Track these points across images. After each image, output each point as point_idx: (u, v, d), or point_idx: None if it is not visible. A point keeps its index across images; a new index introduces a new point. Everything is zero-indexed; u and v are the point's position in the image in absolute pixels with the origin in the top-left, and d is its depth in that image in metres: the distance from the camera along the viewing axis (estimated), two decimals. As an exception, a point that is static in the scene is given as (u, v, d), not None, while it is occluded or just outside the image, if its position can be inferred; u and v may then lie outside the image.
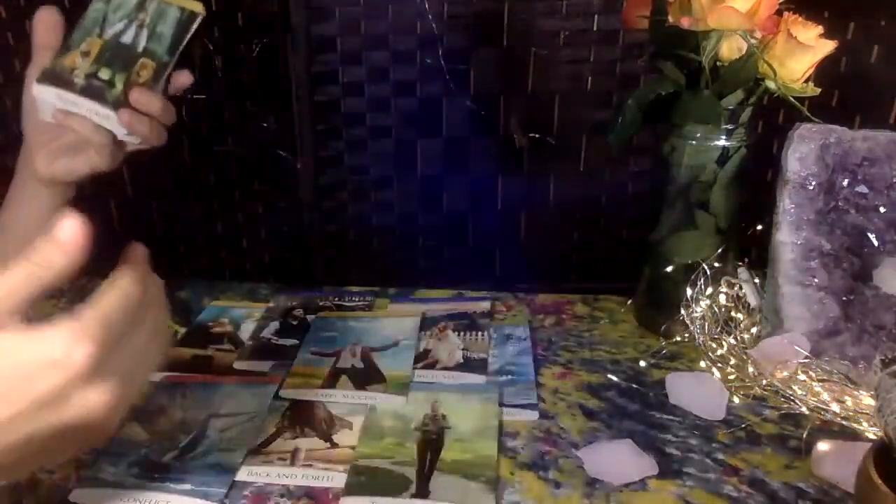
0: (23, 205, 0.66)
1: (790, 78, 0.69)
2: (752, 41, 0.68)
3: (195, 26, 0.65)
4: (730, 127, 0.72)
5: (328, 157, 1.09)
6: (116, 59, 0.63)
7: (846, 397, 0.66)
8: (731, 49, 0.69)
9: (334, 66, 1.04)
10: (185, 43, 0.65)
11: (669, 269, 0.78)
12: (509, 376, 0.74)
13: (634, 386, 0.72)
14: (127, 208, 1.13)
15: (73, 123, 0.62)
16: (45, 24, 0.63)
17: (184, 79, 0.66)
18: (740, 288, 0.77)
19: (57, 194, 0.66)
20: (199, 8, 0.65)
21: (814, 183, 0.70)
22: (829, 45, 0.68)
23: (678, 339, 0.76)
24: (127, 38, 0.63)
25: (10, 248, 0.66)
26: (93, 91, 0.62)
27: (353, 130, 1.08)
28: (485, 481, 0.58)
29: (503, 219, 1.13)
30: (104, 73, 0.62)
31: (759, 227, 0.77)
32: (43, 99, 0.62)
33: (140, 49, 0.63)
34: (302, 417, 0.68)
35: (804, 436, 0.63)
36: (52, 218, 0.45)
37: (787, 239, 0.71)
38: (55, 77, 0.61)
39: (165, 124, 0.64)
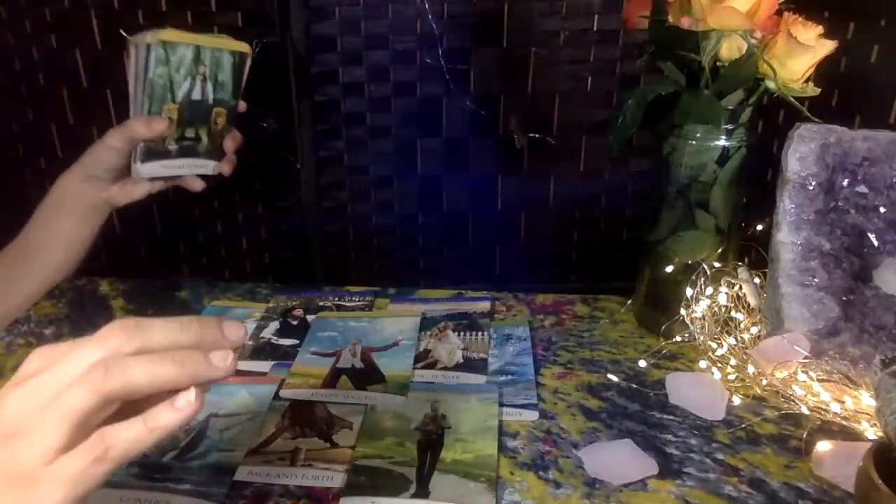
0: (53, 225, 0.71)
1: (790, 78, 0.69)
2: (752, 41, 0.68)
3: (248, 67, 0.73)
4: (730, 127, 0.72)
5: (328, 157, 1.09)
6: (195, 116, 0.71)
7: (846, 397, 0.66)
8: (731, 49, 0.69)
9: (334, 66, 1.04)
10: (244, 82, 0.73)
11: (669, 269, 0.78)
12: (509, 376, 0.74)
13: (634, 386, 0.72)
14: (127, 208, 1.13)
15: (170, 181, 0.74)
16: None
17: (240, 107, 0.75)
18: (740, 288, 0.77)
19: (99, 217, 0.73)
20: (246, 49, 0.72)
21: (814, 183, 0.70)
22: (829, 45, 0.68)
23: (678, 339, 0.76)
24: (196, 95, 0.70)
25: (47, 259, 0.69)
26: (187, 150, 0.72)
27: (353, 130, 1.08)
28: (485, 481, 0.58)
29: (503, 219, 1.13)
30: (189, 132, 0.71)
31: (759, 227, 0.77)
32: (149, 172, 0.70)
33: (211, 101, 0.71)
34: (302, 417, 0.67)
35: (804, 436, 0.63)
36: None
37: (787, 239, 0.71)
38: (154, 153, 0.69)
39: None
